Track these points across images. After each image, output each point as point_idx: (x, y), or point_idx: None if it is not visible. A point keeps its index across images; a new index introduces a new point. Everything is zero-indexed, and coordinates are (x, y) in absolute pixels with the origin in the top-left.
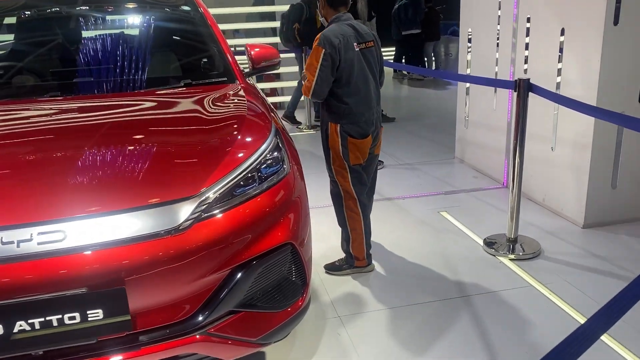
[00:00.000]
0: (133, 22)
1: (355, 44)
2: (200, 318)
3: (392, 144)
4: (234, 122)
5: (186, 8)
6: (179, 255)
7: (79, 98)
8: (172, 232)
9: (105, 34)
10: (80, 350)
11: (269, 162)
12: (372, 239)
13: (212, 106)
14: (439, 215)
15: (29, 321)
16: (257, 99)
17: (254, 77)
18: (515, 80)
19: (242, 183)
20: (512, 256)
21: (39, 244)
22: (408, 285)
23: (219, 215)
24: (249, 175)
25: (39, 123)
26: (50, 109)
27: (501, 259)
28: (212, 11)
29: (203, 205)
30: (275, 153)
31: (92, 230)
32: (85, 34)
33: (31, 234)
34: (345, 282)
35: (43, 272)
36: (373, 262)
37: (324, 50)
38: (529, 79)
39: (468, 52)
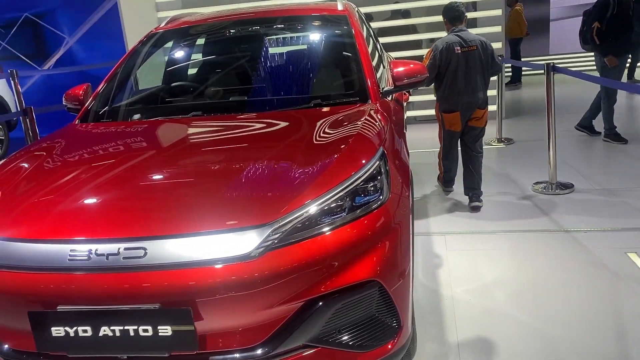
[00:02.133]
0: (275, 42)
1: (456, 48)
2: (270, 348)
3: (597, 165)
4: (335, 147)
5: (337, 26)
6: (247, 283)
7: (208, 119)
8: (242, 259)
9: (243, 55)
10: None
11: (364, 190)
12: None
13: (322, 130)
14: (625, 256)
15: (111, 327)
16: (382, 121)
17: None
18: None
19: (327, 211)
20: None
21: (124, 258)
22: (557, 338)
23: (295, 245)
24: (336, 204)
25: (152, 143)
26: (173, 130)
27: None
28: (424, 20)
29: (276, 233)
30: (373, 181)
31: (168, 250)
32: (230, 56)
33: (118, 249)
34: (481, 325)
35: (125, 284)
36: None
37: (433, 52)
38: None
39: None
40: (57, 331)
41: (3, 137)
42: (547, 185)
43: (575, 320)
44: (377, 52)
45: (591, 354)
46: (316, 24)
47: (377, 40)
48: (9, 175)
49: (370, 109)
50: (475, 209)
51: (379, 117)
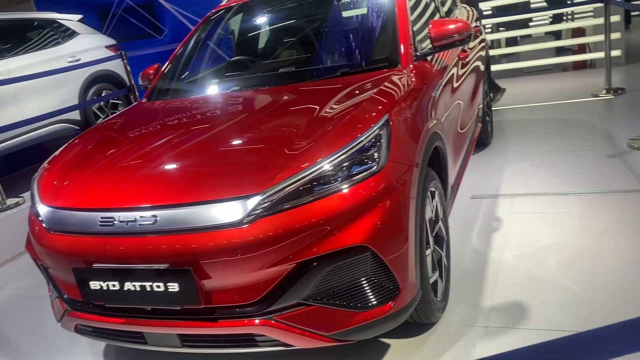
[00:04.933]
0: (315, 12)
1: None
2: (266, 304)
3: None
4: (336, 118)
5: None
6: (239, 247)
7: (235, 95)
8: (234, 225)
9: (282, 28)
10: (172, 313)
11: (359, 159)
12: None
13: (333, 100)
14: None
15: (133, 283)
16: (403, 86)
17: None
18: None
19: (318, 180)
20: None
21: (139, 224)
22: (597, 308)
23: (285, 213)
24: (328, 173)
25: (180, 120)
26: (202, 106)
27: None
28: None
29: (266, 202)
30: (370, 150)
31: (173, 218)
32: (272, 29)
33: (135, 217)
34: (521, 290)
35: (140, 247)
36: None
37: None
38: None
39: None
40: (94, 285)
41: None
42: None
43: (625, 288)
44: (436, 11)
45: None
46: None
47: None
48: (67, 153)
49: (394, 75)
50: None
51: (400, 82)
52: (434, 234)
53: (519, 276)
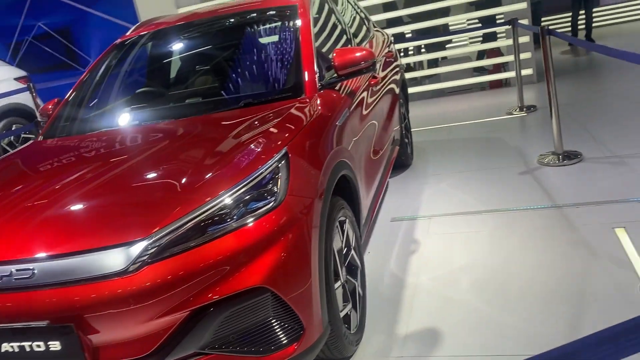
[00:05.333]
0: (219, 43)
1: None
2: (159, 357)
3: (617, 129)
4: (231, 154)
5: (284, 18)
6: (125, 298)
7: (132, 130)
8: (119, 274)
9: (187, 59)
10: None
11: (255, 194)
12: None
13: (230, 134)
14: (611, 232)
15: (10, 344)
16: (304, 117)
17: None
18: None
19: (210, 220)
20: None
21: (15, 279)
22: (507, 328)
23: (174, 258)
24: (220, 212)
25: (66, 162)
26: (92, 145)
27: None
28: None
29: (153, 247)
30: (267, 185)
31: (52, 270)
32: (178, 60)
33: (11, 271)
34: (435, 315)
35: (17, 304)
36: None
37: None
38: None
39: None
40: None
41: None
42: (552, 157)
43: (533, 307)
44: (348, 42)
45: (537, 343)
46: (262, 19)
47: (365, 24)
48: None
49: (297, 105)
50: None
51: (302, 113)
52: (345, 264)
53: (433, 300)
